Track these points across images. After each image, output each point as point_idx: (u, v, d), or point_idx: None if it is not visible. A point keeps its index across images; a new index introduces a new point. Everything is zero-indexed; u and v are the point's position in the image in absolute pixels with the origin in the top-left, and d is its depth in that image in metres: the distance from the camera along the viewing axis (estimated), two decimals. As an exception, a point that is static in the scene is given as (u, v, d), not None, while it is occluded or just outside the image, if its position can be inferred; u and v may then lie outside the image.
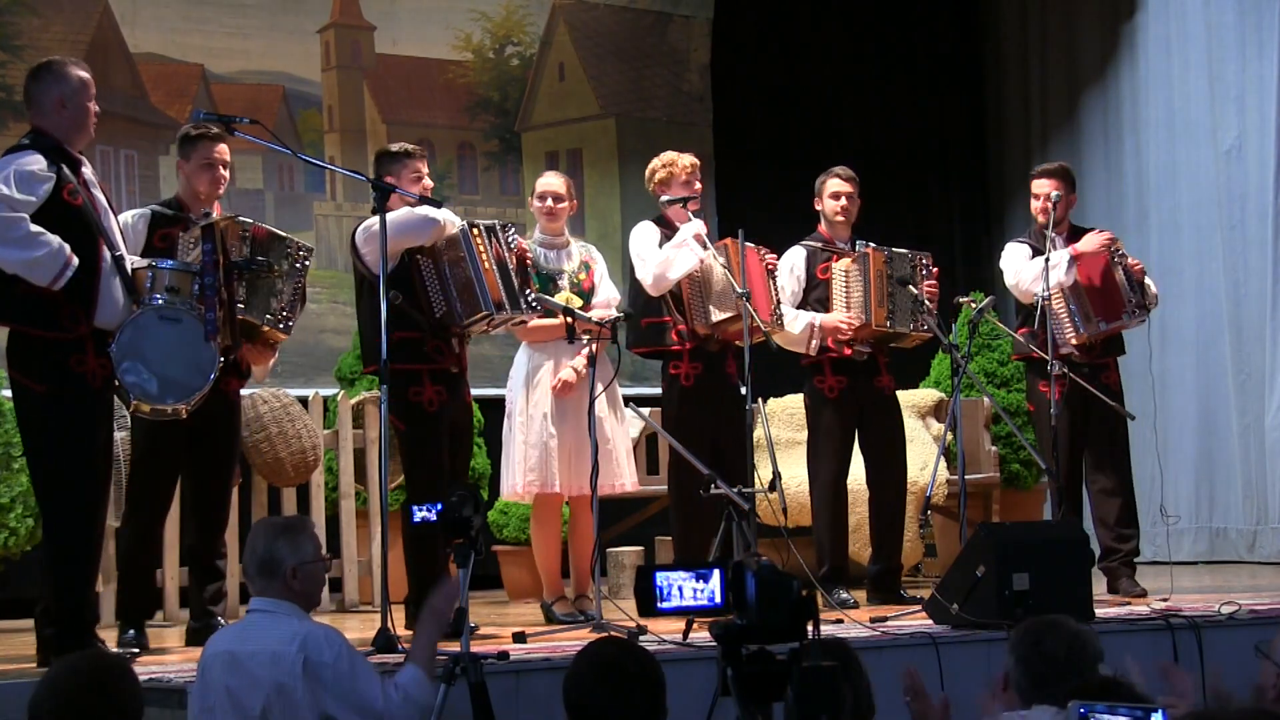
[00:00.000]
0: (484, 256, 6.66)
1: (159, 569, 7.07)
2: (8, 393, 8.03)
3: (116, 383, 5.94)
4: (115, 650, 6.16)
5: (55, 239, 5.77)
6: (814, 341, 7.58)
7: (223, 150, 6.56)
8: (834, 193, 7.76)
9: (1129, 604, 7.33)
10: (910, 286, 7.48)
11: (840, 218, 7.74)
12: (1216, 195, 10.52)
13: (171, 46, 9.60)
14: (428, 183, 6.82)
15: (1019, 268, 7.81)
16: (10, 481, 7.87)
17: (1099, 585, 7.72)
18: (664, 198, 7.34)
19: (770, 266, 7.40)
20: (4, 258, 5.76)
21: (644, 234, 7.33)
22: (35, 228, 5.75)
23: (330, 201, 10.03)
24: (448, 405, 6.73)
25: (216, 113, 6.41)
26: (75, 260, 5.80)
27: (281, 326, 6.58)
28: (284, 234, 6.68)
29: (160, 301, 6.04)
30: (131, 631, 6.42)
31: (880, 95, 11.91)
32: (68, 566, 5.84)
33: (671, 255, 7.16)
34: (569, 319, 6.78)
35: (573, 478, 7.00)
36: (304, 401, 8.36)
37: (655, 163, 7.44)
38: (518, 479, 7.03)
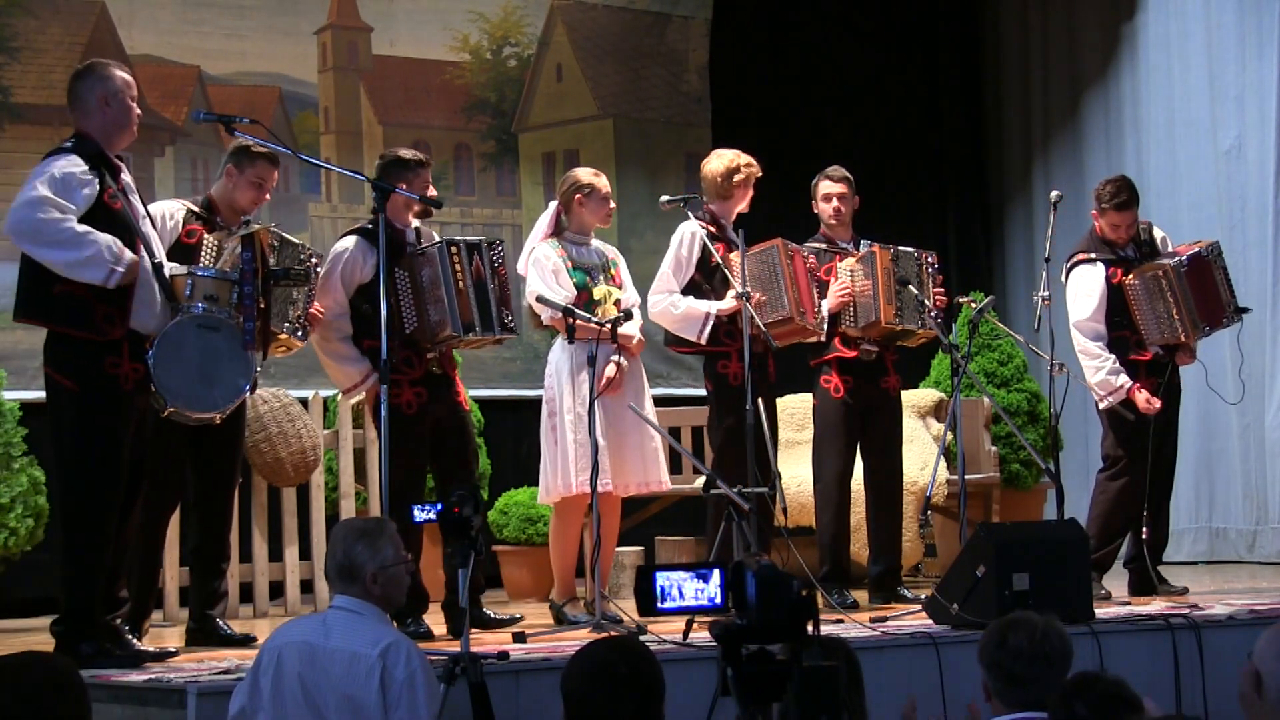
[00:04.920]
0: (460, 276, 6.66)
1: (159, 568, 7.05)
2: (9, 394, 8.08)
3: (152, 388, 5.95)
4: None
5: (105, 237, 5.78)
6: (824, 326, 7.56)
7: (275, 176, 6.74)
8: (825, 195, 7.75)
9: (1129, 604, 7.32)
10: (910, 287, 7.46)
11: (834, 220, 7.73)
12: (1216, 195, 10.52)
13: (168, 48, 9.58)
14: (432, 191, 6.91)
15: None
16: (10, 481, 7.87)
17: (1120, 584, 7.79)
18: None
19: (810, 267, 7.42)
20: (51, 259, 5.76)
21: (682, 241, 7.35)
22: (82, 227, 5.76)
23: (326, 203, 10.01)
24: (428, 407, 6.75)
25: (214, 114, 6.40)
26: (128, 255, 5.83)
27: (300, 334, 6.68)
28: (295, 239, 6.76)
29: (199, 310, 6.07)
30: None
31: (879, 95, 11.89)
32: (77, 564, 5.85)
33: (691, 319, 7.21)
34: (570, 319, 6.76)
35: (617, 476, 7.01)
36: (304, 402, 8.35)
37: (719, 164, 7.43)
38: (571, 477, 6.97)
